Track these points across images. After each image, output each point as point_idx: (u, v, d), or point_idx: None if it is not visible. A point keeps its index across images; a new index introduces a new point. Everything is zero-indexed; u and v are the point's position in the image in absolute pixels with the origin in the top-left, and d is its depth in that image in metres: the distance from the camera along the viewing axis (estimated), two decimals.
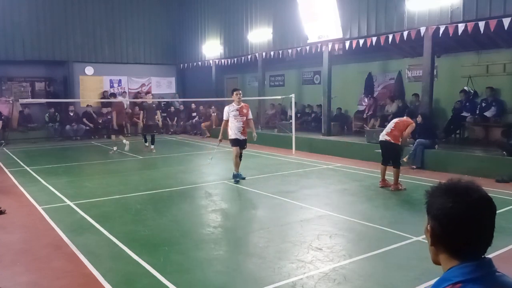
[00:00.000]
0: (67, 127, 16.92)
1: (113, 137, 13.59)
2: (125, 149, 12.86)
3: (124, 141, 13.01)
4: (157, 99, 17.38)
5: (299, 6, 12.96)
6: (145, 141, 13.30)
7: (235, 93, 8.56)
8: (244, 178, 8.61)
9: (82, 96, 18.53)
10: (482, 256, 1.19)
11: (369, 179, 8.56)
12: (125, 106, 16.14)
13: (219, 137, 8.93)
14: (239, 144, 8.45)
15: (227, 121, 8.51)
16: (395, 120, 7.95)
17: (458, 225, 1.18)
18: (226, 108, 8.56)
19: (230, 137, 8.52)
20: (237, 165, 8.50)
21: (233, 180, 8.46)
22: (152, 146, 12.99)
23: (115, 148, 12.99)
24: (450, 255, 1.21)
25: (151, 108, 13.00)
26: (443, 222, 1.20)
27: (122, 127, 13.39)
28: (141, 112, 13.08)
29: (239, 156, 8.50)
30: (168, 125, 19.10)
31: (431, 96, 10.36)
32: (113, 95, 16.29)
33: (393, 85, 13.54)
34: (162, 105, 19.38)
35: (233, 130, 8.42)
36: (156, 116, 13.11)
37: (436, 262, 1.28)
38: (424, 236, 1.33)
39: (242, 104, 8.58)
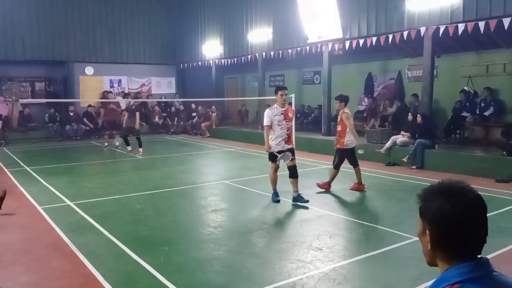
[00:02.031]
0: (67, 127, 16.92)
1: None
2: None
3: (106, 144, 14.12)
4: (154, 99, 17.51)
5: (299, 6, 12.96)
6: (127, 145, 12.74)
7: (279, 92, 6.75)
8: (307, 201, 6.74)
9: (82, 96, 18.55)
10: (479, 256, 1.20)
11: (369, 179, 8.55)
12: (124, 106, 16.14)
13: (266, 147, 6.92)
14: (283, 157, 6.80)
15: (270, 126, 6.77)
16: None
17: (457, 226, 1.18)
18: (268, 112, 6.80)
19: (271, 150, 6.86)
20: (274, 182, 6.98)
21: (272, 200, 6.93)
22: (141, 149, 12.54)
23: (106, 144, 14.09)
24: (448, 256, 1.22)
25: (131, 110, 12.73)
26: (442, 224, 1.20)
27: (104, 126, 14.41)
28: (125, 113, 12.96)
29: (294, 171, 6.89)
30: (168, 125, 19.10)
31: (431, 96, 10.36)
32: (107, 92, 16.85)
33: (393, 85, 13.54)
34: (162, 104, 19.46)
35: (276, 139, 6.76)
36: (134, 118, 12.60)
37: (432, 264, 1.28)
38: None
39: (287, 106, 6.93)
